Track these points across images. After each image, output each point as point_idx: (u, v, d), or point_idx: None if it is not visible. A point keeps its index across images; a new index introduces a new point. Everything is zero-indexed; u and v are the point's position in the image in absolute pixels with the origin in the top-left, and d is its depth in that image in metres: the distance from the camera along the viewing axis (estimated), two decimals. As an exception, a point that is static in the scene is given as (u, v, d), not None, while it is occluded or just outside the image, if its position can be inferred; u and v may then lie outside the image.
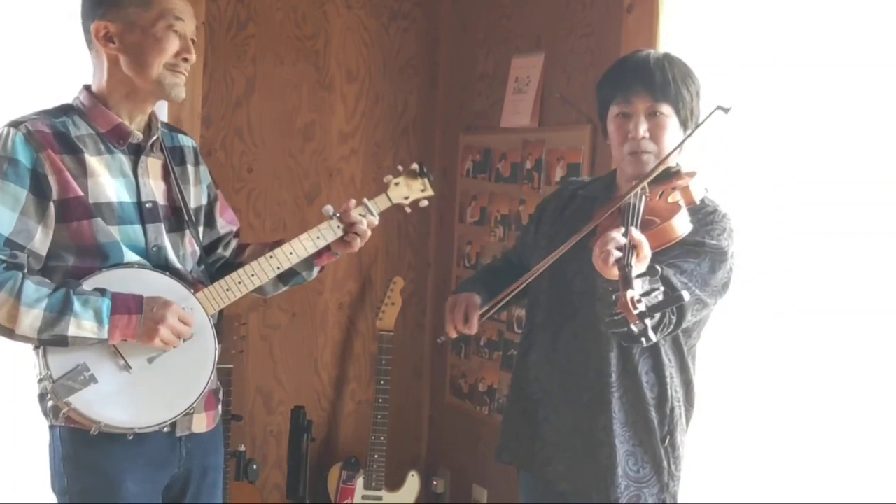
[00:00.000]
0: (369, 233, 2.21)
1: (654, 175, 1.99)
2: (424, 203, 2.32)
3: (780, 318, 2.40)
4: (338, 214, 2.20)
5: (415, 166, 2.30)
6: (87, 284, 1.98)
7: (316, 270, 2.29)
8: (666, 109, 2.05)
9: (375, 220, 2.22)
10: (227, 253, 2.33)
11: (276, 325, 3.61)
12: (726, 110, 1.96)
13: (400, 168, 2.30)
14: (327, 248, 2.21)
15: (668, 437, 2.09)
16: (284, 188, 3.58)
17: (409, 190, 2.29)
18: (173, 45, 2.03)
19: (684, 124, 2.07)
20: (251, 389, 3.59)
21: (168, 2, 2.03)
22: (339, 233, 2.19)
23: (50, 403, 2.05)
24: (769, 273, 2.39)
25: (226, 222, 2.33)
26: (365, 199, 2.23)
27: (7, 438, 3.06)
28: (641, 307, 1.68)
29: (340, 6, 3.60)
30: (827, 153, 2.30)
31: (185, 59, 2.06)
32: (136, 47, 2.02)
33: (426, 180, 2.30)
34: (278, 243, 2.19)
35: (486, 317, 2.17)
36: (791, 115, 2.37)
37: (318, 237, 2.18)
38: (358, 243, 2.21)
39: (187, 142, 2.25)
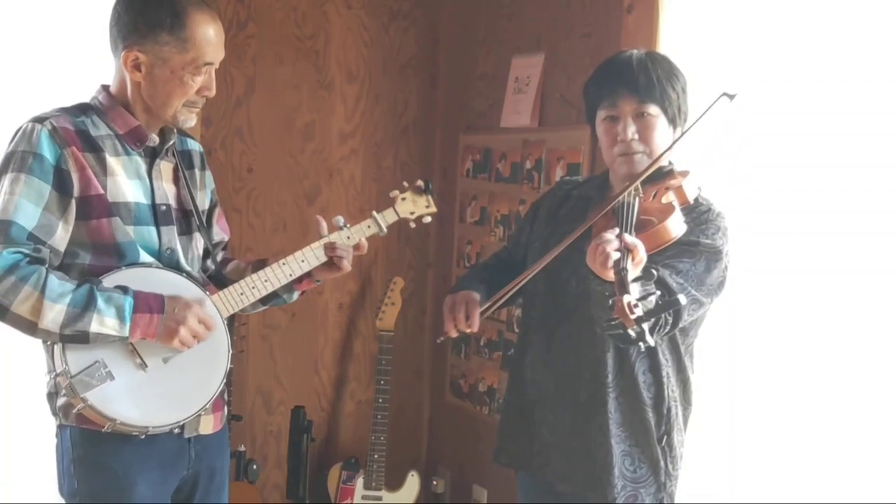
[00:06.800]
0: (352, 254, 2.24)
1: (648, 173, 1.99)
2: (428, 219, 2.35)
3: (777, 316, 2.40)
4: (348, 225, 2.22)
5: (420, 183, 2.33)
6: (107, 282, 1.98)
7: (296, 294, 2.30)
8: (653, 110, 2.05)
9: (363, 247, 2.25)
10: (216, 263, 2.34)
11: (276, 325, 3.61)
12: (732, 97, 1.94)
13: (406, 184, 2.33)
14: (308, 274, 2.22)
15: (665, 436, 2.09)
16: (284, 188, 3.58)
17: (414, 206, 2.32)
18: (197, 85, 2.04)
19: (672, 122, 2.07)
20: (251, 389, 3.60)
21: (205, 47, 2.01)
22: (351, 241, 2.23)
23: (61, 401, 2.04)
24: (766, 271, 2.39)
25: (220, 229, 2.35)
26: (374, 213, 2.26)
27: (3, 440, 3.05)
28: (638, 312, 1.67)
29: (340, 6, 3.60)
30: (825, 152, 2.30)
31: (205, 96, 2.07)
32: (161, 83, 2.02)
33: (430, 197, 2.34)
34: (262, 262, 2.22)
35: (487, 314, 2.16)
36: (790, 114, 2.37)
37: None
38: (345, 265, 2.22)
39: (195, 146, 2.27)
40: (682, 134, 2.04)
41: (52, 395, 2.07)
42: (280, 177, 3.57)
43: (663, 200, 1.97)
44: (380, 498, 3.49)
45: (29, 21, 2.99)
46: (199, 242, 2.20)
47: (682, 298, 1.74)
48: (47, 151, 1.96)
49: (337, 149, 3.64)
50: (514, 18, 3.36)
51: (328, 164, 3.63)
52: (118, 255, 2.02)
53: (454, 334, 2.16)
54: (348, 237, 2.22)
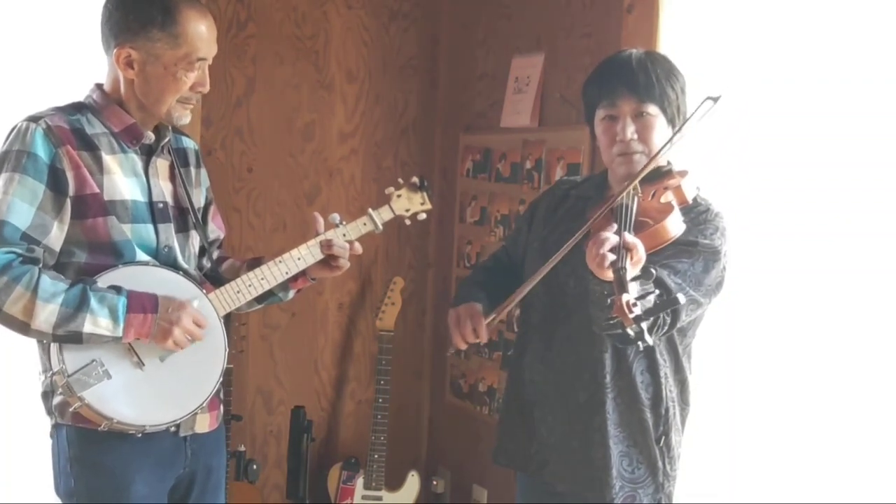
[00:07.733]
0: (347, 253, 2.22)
1: (644, 173, 1.98)
2: (423, 216, 2.35)
3: (776, 316, 2.40)
4: (344, 222, 2.21)
5: (415, 180, 2.33)
6: (102, 281, 1.98)
7: (292, 293, 2.30)
8: (652, 110, 2.04)
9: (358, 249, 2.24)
10: (212, 261, 2.33)
11: (276, 325, 3.61)
12: (715, 100, 1.94)
13: (401, 181, 2.33)
14: (303, 272, 2.21)
15: (664, 437, 2.09)
16: (284, 188, 3.58)
17: (409, 203, 2.32)
18: (190, 80, 2.04)
19: (672, 122, 2.07)
20: (251, 389, 3.59)
21: (197, 43, 2.02)
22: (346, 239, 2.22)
23: (57, 400, 2.04)
24: (765, 271, 2.39)
25: (215, 227, 2.35)
26: (369, 210, 2.25)
27: (2, 440, 3.06)
28: (637, 311, 1.67)
29: (340, 6, 3.60)
30: (826, 152, 2.30)
31: (199, 92, 2.07)
32: (154, 80, 2.02)
33: (425, 194, 2.33)
34: (257, 261, 2.20)
35: (494, 323, 2.16)
36: (790, 114, 2.36)
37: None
38: (342, 264, 2.21)
39: (190, 144, 2.27)
40: (671, 138, 2.03)
41: (47, 395, 2.07)
42: (280, 177, 3.57)
43: (662, 200, 1.96)
44: (380, 498, 3.49)
45: (23, 20, 3.00)
46: (195, 240, 2.20)
47: (681, 297, 1.74)
48: (42, 150, 1.96)
49: (337, 149, 3.64)
50: (514, 18, 3.36)
51: (328, 164, 3.63)
52: (115, 254, 2.02)
53: (463, 346, 2.15)
54: (344, 234, 2.21)
